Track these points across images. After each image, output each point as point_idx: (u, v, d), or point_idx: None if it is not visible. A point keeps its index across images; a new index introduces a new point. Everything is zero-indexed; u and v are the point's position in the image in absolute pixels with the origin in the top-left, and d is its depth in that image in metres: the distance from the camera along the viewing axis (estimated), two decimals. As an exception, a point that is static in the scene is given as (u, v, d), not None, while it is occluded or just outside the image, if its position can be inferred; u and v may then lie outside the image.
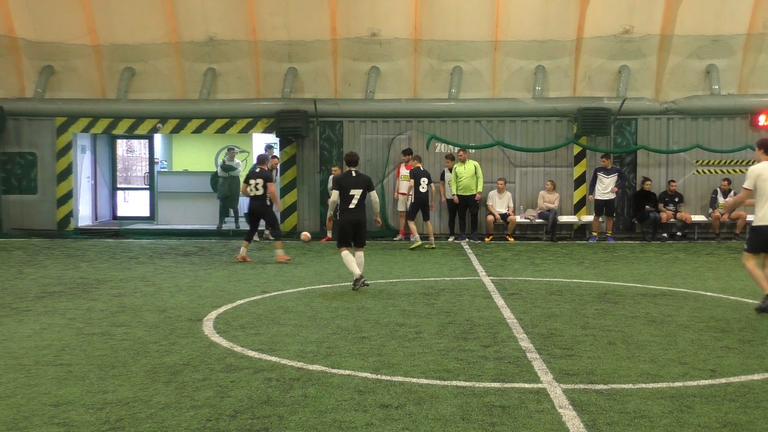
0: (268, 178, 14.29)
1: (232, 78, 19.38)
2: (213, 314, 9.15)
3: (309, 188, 18.88)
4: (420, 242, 16.30)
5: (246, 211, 15.85)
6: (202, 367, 6.74)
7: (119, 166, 22.16)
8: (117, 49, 19.19)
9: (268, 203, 14.54)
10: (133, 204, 21.98)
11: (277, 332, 8.17)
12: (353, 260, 10.81)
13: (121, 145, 22.21)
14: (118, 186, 21.94)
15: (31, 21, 19.06)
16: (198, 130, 19.23)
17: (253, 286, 11.34)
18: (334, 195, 11.04)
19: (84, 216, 19.92)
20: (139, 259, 14.75)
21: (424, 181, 16.55)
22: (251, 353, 7.22)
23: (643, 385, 6.16)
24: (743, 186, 9.49)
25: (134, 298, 10.34)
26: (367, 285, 10.94)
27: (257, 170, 14.33)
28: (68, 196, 19.22)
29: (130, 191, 22.12)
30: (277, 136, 18.96)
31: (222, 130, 19.13)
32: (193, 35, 18.97)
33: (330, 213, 11.15)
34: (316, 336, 7.98)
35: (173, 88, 19.55)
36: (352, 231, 10.94)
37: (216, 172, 19.92)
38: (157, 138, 21.38)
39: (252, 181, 14.17)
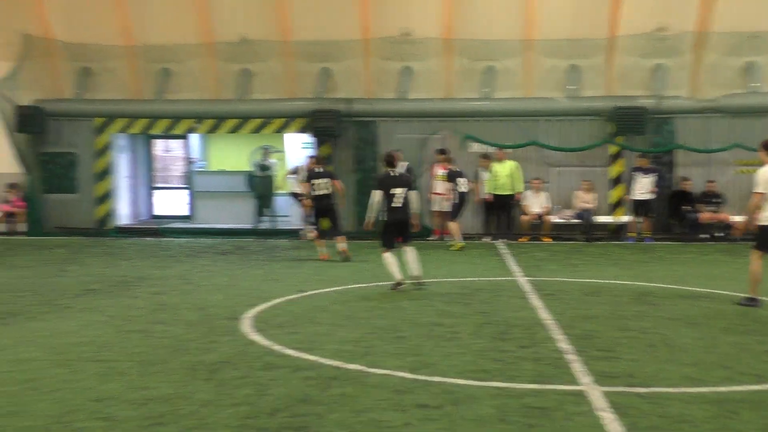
0: (333, 177, 14.62)
1: (267, 78, 19.50)
2: (250, 313, 9.23)
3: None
4: (463, 243, 16.22)
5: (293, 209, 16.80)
6: (241, 365, 6.80)
7: (157, 165, 22.41)
8: (152, 50, 19.41)
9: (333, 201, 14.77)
10: (171, 203, 22.22)
11: (315, 331, 8.21)
12: (395, 263, 10.78)
13: (159, 144, 22.45)
14: (156, 185, 22.20)
15: (68, 23, 19.36)
16: (233, 130, 19.38)
17: (290, 285, 11.41)
18: (377, 195, 10.99)
19: (123, 215, 20.19)
20: (177, 257, 14.92)
21: (462, 180, 16.54)
22: (289, 352, 7.27)
23: (685, 389, 6.09)
24: (756, 191, 9.53)
25: (173, 296, 10.46)
26: (424, 287, 10.88)
27: (319, 170, 14.56)
28: (107, 195, 19.48)
29: (168, 190, 22.36)
30: (311, 136, 19.04)
31: (257, 130, 19.26)
32: (226, 36, 19.13)
33: (372, 215, 11.01)
34: (354, 335, 8.01)
35: (208, 88, 19.73)
36: (399, 229, 10.95)
37: (252, 171, 20.08)
38: (194, 138, 21.59)
39: (315, 181, 14.35)
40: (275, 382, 6.26)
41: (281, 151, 21.15)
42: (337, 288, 11.16)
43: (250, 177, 19.88)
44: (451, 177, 16.61)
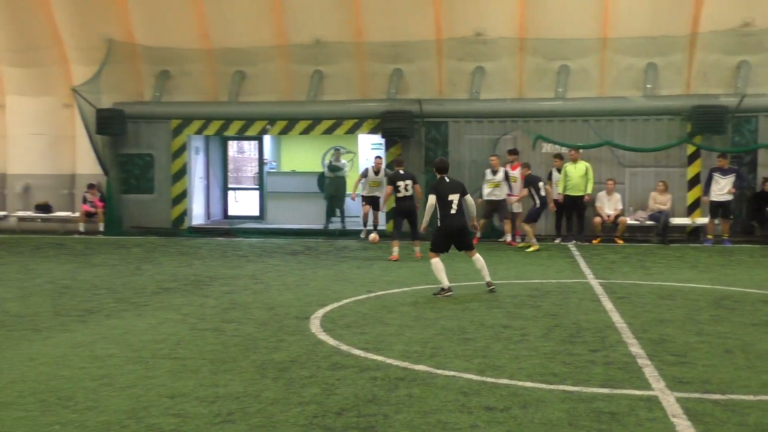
0: (415, 179, 14.74)
1: (339, 79, 19.66)
2: (320, 312, 9.31)
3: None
4: (537, 246, 16.03)
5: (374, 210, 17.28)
6: (309, 364, 6.87)
7: (230, 166, 22.84)
8: (228, 53, 19.82)
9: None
10: (244, 204, 22.62)
11: (383, 332, 8.23)
12: (443, 269, 10.57)
13: (233, 146, 22.88)
14: (229, 186, 22.63)
15: (148, 28, 19.94)
16: (305, 132, 19.59)
17: (358, 285, 11.47)
18: (432, 200, 10.83)
19: (197, 215, 20.66)
20: (248, 257, 15.17)
21: (541, 185, 16.38)
22: (357, 352, 7.31)
23: (765, 397, 5.86)
24: None
25: (244, 295, 10.64)
26: (494, 290, 10.79)
27: (402, 172, 14.66)
28: (182, 195, 19.96)
29: (241, 191, 22.78)
30: (382, 137, 19.11)
31: (329, 131, 19.42)
32: (300, 38, 19.37)
33: (427, 219, 10.80)
34: (421, 336, 7.99)
35: (281, 90, 20.02)
36: (457, 236, 10.81)
37: (323, 172, 20.28)
38: (267, 139, 21.93)
39: (401, 183, 14.49)
40: (342, 381, 6.30)
41: (352, 152, 21.30)
42: (406, 289, 11.16)
43: (322, 178, 20.08)
44: (530, 182, 16.32)
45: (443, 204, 10.69)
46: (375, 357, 7.10)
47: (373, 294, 10.69)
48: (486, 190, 17.31)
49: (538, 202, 16.28)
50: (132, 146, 20.05)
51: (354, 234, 18.65)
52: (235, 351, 7.39)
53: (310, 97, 19.48)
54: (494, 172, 17.19)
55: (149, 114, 20.01)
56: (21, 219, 20.64)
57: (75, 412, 5.53)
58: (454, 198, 10.68)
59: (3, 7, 19.91)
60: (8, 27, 20.19)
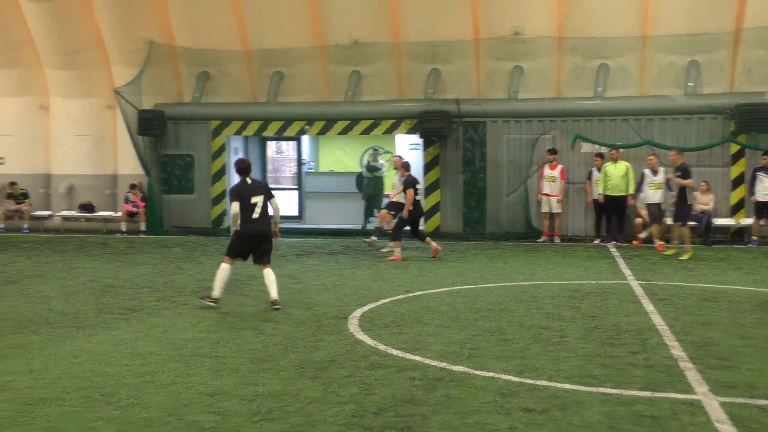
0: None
1: (376, 80, 19.68)
2: (358, 312, 9.33)
3: (452, 189, 18.85)
4: (691, 252, 14.79)
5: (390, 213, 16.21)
6: (347, 364, 6.89)
7: (269, 167, 22.99)
8: (266, 54, 19.96)
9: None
10: (282, 204, 22.76)
11: (420, 332, 8.22)
12: (226, 278, 9.75)
13: (271, 146, 23.04)
14: (270, 186, 22.75)
15: (188, 29, 20.18)
16: (343, 132, 19.63)
17: (396, 285, 11.48)
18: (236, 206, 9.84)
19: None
20: (287, 257, 15.26)
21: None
22: (395, 352, 7.31)
23: (811, 402, 5.74)
24: None
25: (282, 295, 10.67)
26: (279, 308, 9.67)
27: (414, 177, 15.01)
28: (222, 195, 20.12)
29: (279, 191, 22.91)
30: (420, 137, 19.09)
31: (366, 131, 19.44)
32: (337, 38, 19.44)
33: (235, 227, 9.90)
34: (459, 336, 7.97)
35: (319, 90, 20.10)
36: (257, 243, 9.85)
37: (361, 172, 20.32)
38: (305, 139, 22.03)
39: (419, 187, 14.87)
40: (381, 381, 6.31)
41: (390, 153, 21.31)
42: (444, 289, 11.13)
43: (360, 178, 20.12)
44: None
45: (246, 207, 9.72)
46: (413, 357, 7.10)
47: (411, 294, 10.68)
48: (648, 192, 16.31)
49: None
50: (173, 147, 20.29)
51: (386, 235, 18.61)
52: (274, 350, 7.44)
53: (348, 97, 19.54)
54: (654, 173, 16.21)
55: (189, 115, 20.24)
56: (65, 218, 21.03)
57: (117, 409, 5.63)
58: (258, 201, 9.81)
59: (47, 12, 20.31)
60: (52, 31, 20.60)
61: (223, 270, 9.73)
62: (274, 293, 9.68)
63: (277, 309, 9.52)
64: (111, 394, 5.99)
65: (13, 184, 20.76)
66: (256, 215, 9.68)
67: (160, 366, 6.83)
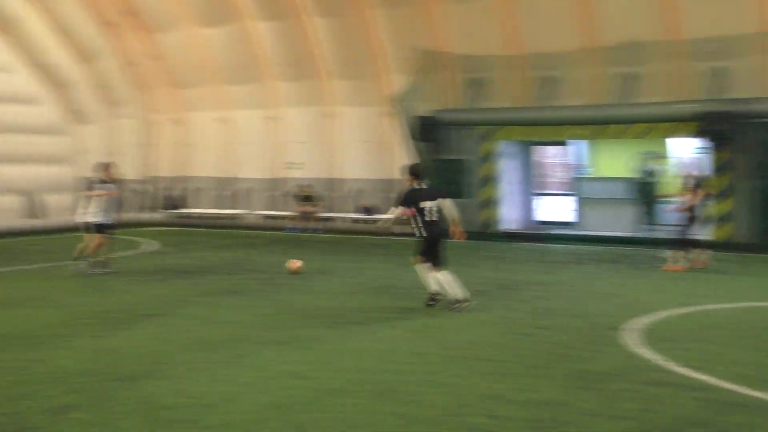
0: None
1: (652, 80, 18.76)
2: (634, 324, 8.94)
3: (743, 196, 17.35)
4: None
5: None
6: (625, 377, 6.63)
7: (538, 171, 22.82)
8: (536, 58, 19.86)
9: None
10: (552, 209, 22.48)
11: (707, 349, 7.69)
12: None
13: (540, 151, 22.86)
14: (536, 191, 22.61)
15: (459, 36, 20.69)
16: (617, 136, 18.96)
17: (674, 297, 10.83)
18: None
19: (508, 219, 20.91)
20: (561, 263, 15.03)
21: None
22: (678, 369, 6.90)
23: None
24: None
25: (557, 302, 10.55)
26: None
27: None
28: (491, 200, 20.35)
29: (548, 196, 22.66)
30: (704, 141, 17.81)
31: (641, 135, 18.58)
32: (611, 39, 18.82)
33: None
34: (753, 358, 7.34)
35: (591, 93, 19.57)
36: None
37: (636, 177, 19.47)
38: (577, 144, 21.56)
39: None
40: (663, 399, 5.99)
41: (665, 157, 20.23)
42: (737, 304, 10.30)
43: (637, 183, 19.29)
44: None
45: (419, 211, 9.98)
46: (699, 376, 6.65)
47: (695, 308, 10.03)
48: None
49: None
50: (446, 152, 20.86)
51: (672, 244, 17.57)
52: (547, 358, 7.37)
53: (621, 99, 18.80)
54: None
55: (461, 120, 20.69)
56: (354, 221, 22.63)
57: (399, 405, 5.89)
58: (430, 205, 9.96)
59: (333, 28, 22.10)
60: (337, 45, 22.38)
61: (427, 270, 10.04)
62: (456, 291, 9.78)
63: (458, 309, 9.65)
64: (391, 390, 6.27)
65: (306, 186, 22.67)
66: (431, 218, 9.96)
67: (438, 366, 7.04)
